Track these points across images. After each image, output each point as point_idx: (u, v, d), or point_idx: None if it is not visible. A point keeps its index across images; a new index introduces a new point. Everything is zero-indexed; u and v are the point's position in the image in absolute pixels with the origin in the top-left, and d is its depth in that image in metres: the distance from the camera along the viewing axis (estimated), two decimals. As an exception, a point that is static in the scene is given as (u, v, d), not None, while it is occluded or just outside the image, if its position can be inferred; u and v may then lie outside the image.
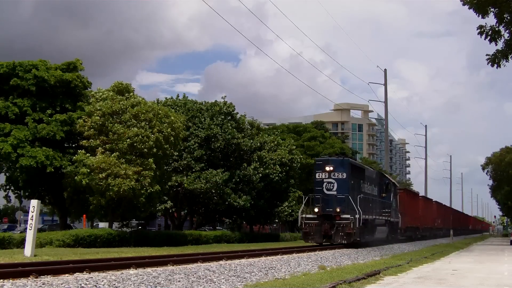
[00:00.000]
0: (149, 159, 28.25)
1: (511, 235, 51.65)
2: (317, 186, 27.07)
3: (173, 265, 13.52)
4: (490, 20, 21.82)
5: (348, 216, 25.65)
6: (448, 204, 78.56)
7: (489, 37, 21.84)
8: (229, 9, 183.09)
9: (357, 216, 25.80)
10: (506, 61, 22.31)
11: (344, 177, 26.57)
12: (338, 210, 25.76)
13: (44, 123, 29.07)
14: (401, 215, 38.54)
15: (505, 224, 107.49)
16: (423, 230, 50.62)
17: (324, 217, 26.11)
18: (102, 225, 43.41)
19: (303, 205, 27.62)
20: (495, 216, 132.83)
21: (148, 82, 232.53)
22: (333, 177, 26.62)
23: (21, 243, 22.48)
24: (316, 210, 26.22)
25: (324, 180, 26.71)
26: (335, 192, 26.41)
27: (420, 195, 55.82)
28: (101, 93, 30.12)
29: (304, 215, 26.87)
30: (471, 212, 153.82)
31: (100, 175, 26.81)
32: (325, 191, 26.52)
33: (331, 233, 25.80)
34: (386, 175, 38.83)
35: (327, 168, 26.70)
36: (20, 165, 27.69)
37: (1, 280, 9.45)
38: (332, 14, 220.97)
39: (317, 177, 27.10)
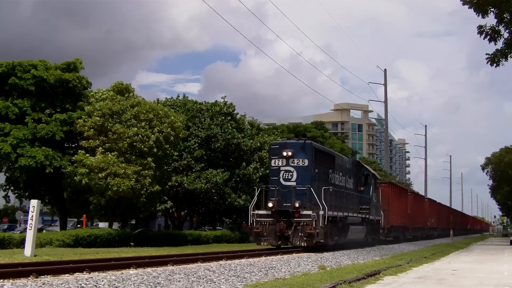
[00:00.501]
0: (149, 159, 28.26)
1: (511, 235, 51.62)
2: (272, 175, 22.58)
3: (173, 265, 13.52)
4: (490, 20, 21.87)
5: (310, 212, 21.24)
6: (448, 204, 78.65)
7: (489, 37, 21.88)
8: (229, 9, 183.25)
9: (321, 212, 21.30)
10: (505, 61, 22.35)
11: (306, 164, 22.00)
12: (297, 205, 21.28)
13: (44, 123, 29.07)
14: (384, 212, 33.84)
15: (505, 224, 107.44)
16: (412, 230, 46.22)
17: (280, 214, 21.62)
18: (102, 225, 43.40)
19: (254, 198, 22.69)
20: (495, 216, 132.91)
21: (148, 82, 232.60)
22: (292, 164, 22.02)
23: (21, 243, 22.48)
24: (270, 205, 21.57)
25: (281, 168, 22.16)
26: (294, 183, 21.82)
27: (409, 190, 51.32)
28: (101, 93, 30.13)
29: (255, 212, 22.19)
30: (471, 212, 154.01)
31: (100, 175, 26.82)
32: (282, 182, 22.00)
33: (289, 234, 21.36)
34: (366, 166, 33.27)
35: (285, 153, 22.07)
36: (20, 165, 27.69)
37: (1, 280, 9.45)
38: (332, 14, 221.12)
39: (272, 164, 22.55)
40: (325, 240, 22.31)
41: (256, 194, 22.80)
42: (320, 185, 22.39)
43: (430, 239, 52.10)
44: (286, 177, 22.07)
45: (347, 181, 26.94)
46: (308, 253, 20.21)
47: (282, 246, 21.91)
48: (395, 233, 39.15)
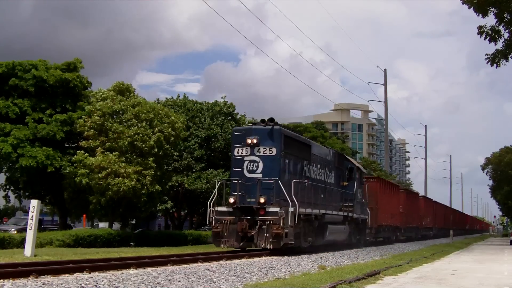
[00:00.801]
0: (150, 159, 28.29)
1: (511, 235, 51.62)
2: (235, 166, 19.82)
3: (173, 265, 13.53)
4: (490, 20, 21.91)
5: (277, 209, 18.38)
6: (448, 204, 78.66)
7: (489, 37, 21.91)
8: (229, 9, 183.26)
9: (290, 209, 18.51)
10: (505, 61, 22.38)
11: (274, 153, 19.31)
12: (262, 200, 18.43)
13: (44, 123, 29.08)
14: (372, 211, 31.01)
15: (505, 224, 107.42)
16: (405, 230, 43.11)
17: (243, 211, 18.83)
18: (102, 225, 43.42)
19: (214, 193, 19.66)
20: (495, 216, 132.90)
21: (148, 82, 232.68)
22: (258, 153, 19.29)
23: (21, 243, 22.49)
24: (231, 200, 18.91)
25: (245, 158, 19.37)
26: (259, 175, 19.04)
27: (402, 187, 47.78)
28: (101, 93, 30.15)
29: (215, 208, 19.36)
30: (471, 212, 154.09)
31: (100, 174, 26.83)
32: (246, 174, 19.26)
33: (252, 234, 18.50)
34: (350, 158, 30.26)
35: (249, 141, 19.28)
36: (20, 165, 27.71)
37: (1, 280, 9.46)
38: (332, 14, 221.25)
39: (235, 154, 19.79)
40: (297, 242, 19.49)
41: (217, 188, 19.84)
42: (292, 178, 19.73)
43: (425, 239, 50.02)
44: (251, 169, 19.25)
45: (327, 175, 24.19)
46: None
47: (247, 249, 19.11)
48: (385, 233, 36.50)
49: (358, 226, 28.31)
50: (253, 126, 20.37)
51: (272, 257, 17.78)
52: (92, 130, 28.42)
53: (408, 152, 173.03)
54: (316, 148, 23.87)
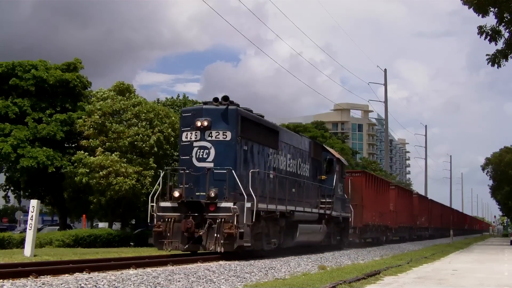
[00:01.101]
0: (150, 159, 28.30)
1: (511, 235, 51.63)
2: (183, 154, 16.88)
3: (173, 265, 13.51)
4: (490, 20, 21.90)
5: (230, 204, 15.48)
6: (448, 204, 78.68)
7: (489, 37, 21.90)
8: (229, 9, 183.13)
9: (247, 204, 15.58)
10: (506, 61, 22.37)
11: (228, 138, 16.34)
12: (212, 194, 15.59)
13: (44, 123, 29.12)
14: (356, 208, 28.05)
15: (505, 224, 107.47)
16: (397, 230, 39.94)
17: (190, 207, 15.94)
18: (102, 225, 43.41)
19: (157, 185, 16.72)
20: (495, 216, 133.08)
21: (148, 82, 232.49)
22: (209, 138, 16.31)
23: (21, 243, 22.49)
24: (176, 194, 16.01)
25: (194, 144, 16.38)
26: (211, 164, 16.08)
27: (393, 184, 43.48)
28: (102, 93, 30.19)
29: (158, 204, 16.37)
30: (471, 212, 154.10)
31: (101, 173, 26.84)
32: (195, 163, 16.27)
33: (200, 234, 15.57)
34: (329, 149, 26.45)
35: (199, 123, 16.30)
36: (21, 166, 27.74)
37: (1, 280, 9.45)
38: (332, 14, 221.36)
39: (183, 139, 16.86)
40: (257, 244, 16.92)
41: (160, 179, 16.78)
42: (249, 166, 16.93)
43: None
44: (201, 156, 16.28)
45: (301, 167, 21.30)
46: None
47: (198, 252, 16.50)
48: (372, 233, 33.35)
49: (339, 225, 25.16)
50: (203, 106, 16.95)
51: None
52: (92, 129, 28.44)
53: (408, 152, 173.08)
54: (286, 135, 20.60)
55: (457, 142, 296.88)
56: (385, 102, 51.66)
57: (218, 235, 15.34)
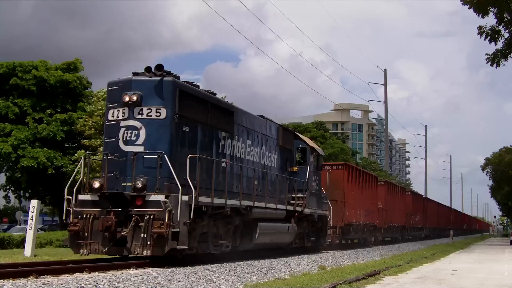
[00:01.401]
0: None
1: (511, 235, 51.64)
2: (108, 136, 13.95)
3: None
4: (490, 20, 21.92)
5: (161, 197, 12.62)
6: (448, 204, 78.65)
7: (489, 37, 21.92)
8: (229, 9, 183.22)
9: (184, 198, 12.75)
10: (505, 61, 22.39)
11: (162, 116, 13.43)
12: (139, 185, 12.75)
13: (45, 123, 29.15)
14: (336, 205, 25.50)
15: (505, 224, 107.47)
16: (387, 230, 36.95)
17: (113, 200, 13.01)
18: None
19: (75, 174, 14.48)
20: (495, 216, 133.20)
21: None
22: (139, 116, 13.38)
23: (21, 243, 22.49)
24: (96, 185, 13.30)
25: (122, 124, 13.47)
26: (140, 148, 13.22)
27: (382, 180, 39.79)
28: (103, 93, 30.21)
29: (77, 196, 13.58)
30: (471, 212, 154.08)
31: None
32: (122, 146, 13.36)
33: (124, 235, 12.59)
34: (302, 136, 22.98)
35: (127, 98, 13.34)
36: (22, 166, 27.77)
37: (1, 280, 9.45)
38: (332, 14, 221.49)
39: (109, 118, 13.93)
40: (202, 246, 14.20)
41: (79, 166, 14.27)
42: (186, 150, 13.83)
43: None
44: (129, 138, 13.32)
45: (265, 155, 18.37)
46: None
47: (128, 255, 13.07)
48: (357, 233, 30.22)
49: (314, 224, 22.09)
50: (133, 77, 13.85)
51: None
52: (93, 129, 28.46)
53: (408, 152, 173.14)
54: (246, 117, 17.45)
55: (457, 142, 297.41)
56: (385, 102, 51.69)
57: (145, 236, 12.43)
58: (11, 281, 9.43)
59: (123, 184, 13.18)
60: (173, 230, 12.54)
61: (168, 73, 13.90)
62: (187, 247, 13.02)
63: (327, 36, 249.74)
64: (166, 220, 12.45)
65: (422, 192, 65.70)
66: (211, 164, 14.57)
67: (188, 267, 12.93)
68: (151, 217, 12.54)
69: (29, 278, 9.94)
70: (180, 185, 12.71)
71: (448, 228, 63.75)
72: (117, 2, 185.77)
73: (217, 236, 14.93)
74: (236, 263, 14.80)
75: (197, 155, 13.89)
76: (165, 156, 12.99)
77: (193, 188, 12.95)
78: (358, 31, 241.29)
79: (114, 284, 9.53)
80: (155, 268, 12.41)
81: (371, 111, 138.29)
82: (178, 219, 12.62)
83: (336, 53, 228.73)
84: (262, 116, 19.09)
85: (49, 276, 10.46)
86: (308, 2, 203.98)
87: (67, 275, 10.81)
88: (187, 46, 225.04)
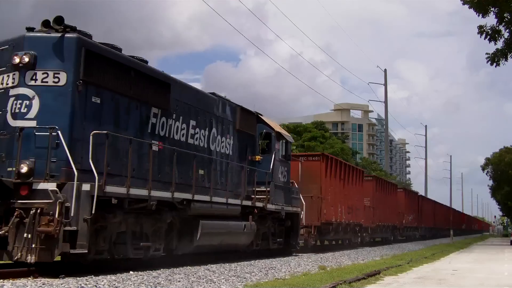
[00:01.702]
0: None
1: (511, 235, 51.67)
2: None
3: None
4: (490, 20, 21.93)
5: (51, 186, 9.98)
6: (448, 204, 78.61)
7: (489, 37, 21.93)
8: (229, 9, 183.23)
9: (84, 186, 10.15)
10: (505, 61, 22.40)
11: (62, 82, 10.61)
12: (24, 169, 10.06)
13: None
14: (311, 200, 22.62)
15: (505, 224, 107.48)
16: (375, 230, 33.75)
17: None
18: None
19: None
20: (495, 216, 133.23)
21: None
22: (32, 83, 10.57)
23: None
24: None
25: (11, 93, 10.64)
26: (32, 122, 10.42)
27: (369, 175, 36.83)
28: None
29: None
30: (471, 212, 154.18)
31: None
32: (10, 121, 10.57)
33: (5, 233, 9.82)
34: (266, 119, 19.13)
35: (17, 60, 10.59)
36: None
37: (1, 280, 9.43)
38: (332, 14, 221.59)
39: None
40: (120, 249, 11.49)
41: None
42: (95, 125, 10.91)
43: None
44: (18, 111, 10.56)
45: (216, 140, 15.53)
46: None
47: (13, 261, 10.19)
48: (338, 234, 27.06)
49: (282, 223, 19.15)
50: (26, 34, 11.03)
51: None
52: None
53: (408, 152, 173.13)
54: (188, 92, 14.48)
55: (457, 142, 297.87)
56: (385, 102, 51.70)
57: (29, 236, 9.72)
58: (11, 281, 9.40)
59: (9, 169, 10.40)
60: (68, 228, 9.88)
61: (73, 29, 10.98)
62: (86, 251, 10.20)
63: (327, 36, 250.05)
64: (57, 216, 9.68)
65: (422, 192, 65.72)
66: (127, 144, 11.40)
67: (188, 267, 12.94)
68: (38, 211, 9.81)
69: (29, 278, 9.92)
70: (80, 170, 10.10)
71: (445, 228, 63.55)
72: (117, 2, 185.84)
73: (138, 237, 11.98)
74: (236, 263, 14.81)
75: (105, 132, 10.77)
76: (59, 132, 10.21)
77: (96, 175, 10.19)
78: (358, 31, 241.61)
79: (114, 284, 9.53)
80: (155, 268, 12.30)
81: (371, 111, 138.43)
82: (72, 214, 9.93)
83: (336, 53, 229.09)
84: (213, 94, 16.03)
85: (49, 276, 10.46)
86: (308, 2, 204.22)
87: (67, 275, 10.79)
88: (187, 46, 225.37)
